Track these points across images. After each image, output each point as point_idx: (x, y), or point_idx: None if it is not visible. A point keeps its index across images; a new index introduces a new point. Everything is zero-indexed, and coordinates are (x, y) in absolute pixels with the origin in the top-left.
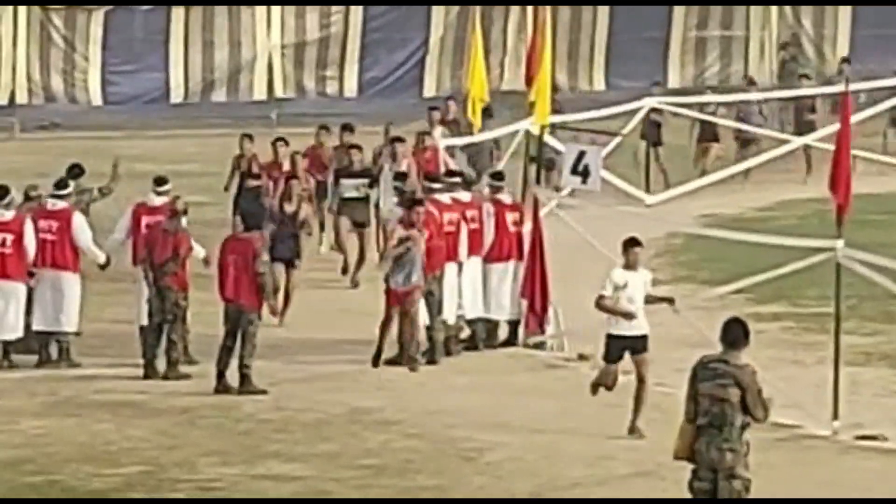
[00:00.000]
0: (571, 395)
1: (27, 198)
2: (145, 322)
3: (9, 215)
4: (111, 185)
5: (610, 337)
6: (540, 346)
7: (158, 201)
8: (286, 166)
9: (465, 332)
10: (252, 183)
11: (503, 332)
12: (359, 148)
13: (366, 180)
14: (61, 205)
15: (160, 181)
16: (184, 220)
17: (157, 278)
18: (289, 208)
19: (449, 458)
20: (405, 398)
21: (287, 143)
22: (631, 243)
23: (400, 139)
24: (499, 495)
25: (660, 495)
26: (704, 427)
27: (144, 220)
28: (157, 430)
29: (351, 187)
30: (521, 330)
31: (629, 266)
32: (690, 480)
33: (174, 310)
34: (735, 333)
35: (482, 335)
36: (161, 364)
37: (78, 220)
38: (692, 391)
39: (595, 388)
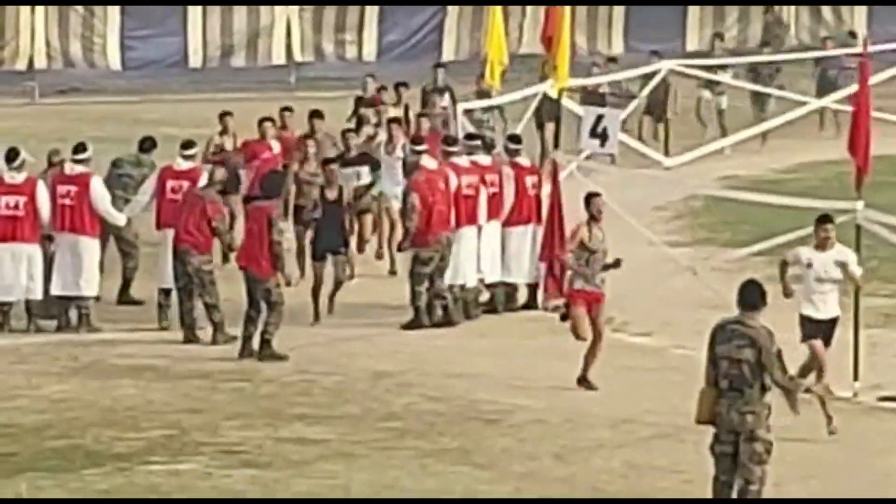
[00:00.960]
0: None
1: (50, 164)
2: (166, 285)
3: (20, 178)
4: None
5: (801, 318)
6: (559, 309)
7: (185, 165)
8: (276, 148)
9: (485, 296)
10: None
11: (523, 296)
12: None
13: (364, 167)
14: (80, 169)
15: (187, 145)
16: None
17: (178, 242)
18: (330, 194)
19: (471, 420)
20: (427, 362)
21: (291, 112)
22: (822, 220)
23: (397, 120)
24: (522, 458)
25: (680, 458)
26: (725, 390)
27: (169, 183)
28: (179, 394)
29: (351, 175)
30: (540, 293)
31: (819, 246)
32: (712, 444)
33: (198, 274)
34: (752, 295)
35: (501, 299)
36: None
37: (96, 184)
38: (711, 354)
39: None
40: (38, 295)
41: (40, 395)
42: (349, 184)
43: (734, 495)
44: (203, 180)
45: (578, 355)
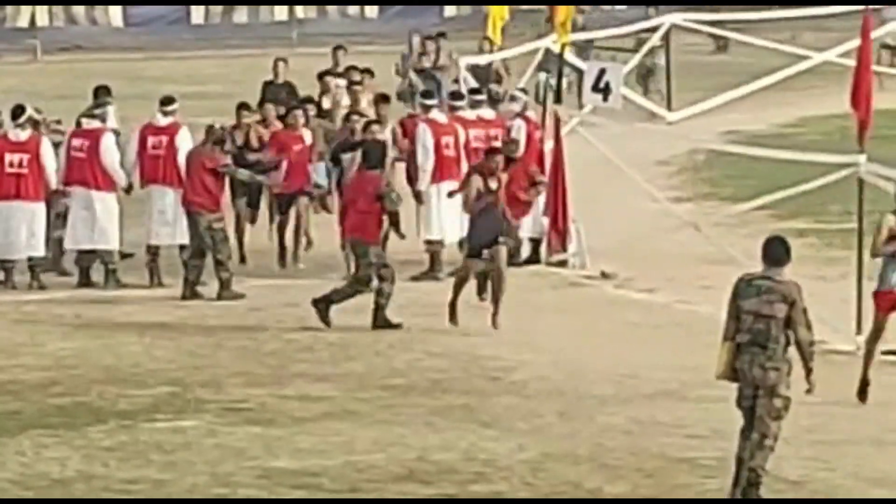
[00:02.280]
0: (595, 313)
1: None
2: (152, 242)
3: (24, 135)
4: None
5: None
6: (562, 263)
7: (164, 121)
8: (308, 138)
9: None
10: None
11: (526, 251)
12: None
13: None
14: (94, 124)
15: (167, 101)
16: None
17: (188, 204)
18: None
19: (475, 377)
20: (430, 318)
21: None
22: None
23: (385, 97)
24: (526, 414)
25: (684, 414)
26: (746, 345)
27: (150, 140)
28: (183, 352)
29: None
30: (543, 248)
31: None
32: (738, 398)
33: (210, 232)
34: (777, 251)
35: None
36: (204, 288)
37: (107, 139)
38: (733, 309)
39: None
40: (40, 252)
41: (44, 352)
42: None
43: (748, 450)
44: (183, 135)
45: (583, 311)
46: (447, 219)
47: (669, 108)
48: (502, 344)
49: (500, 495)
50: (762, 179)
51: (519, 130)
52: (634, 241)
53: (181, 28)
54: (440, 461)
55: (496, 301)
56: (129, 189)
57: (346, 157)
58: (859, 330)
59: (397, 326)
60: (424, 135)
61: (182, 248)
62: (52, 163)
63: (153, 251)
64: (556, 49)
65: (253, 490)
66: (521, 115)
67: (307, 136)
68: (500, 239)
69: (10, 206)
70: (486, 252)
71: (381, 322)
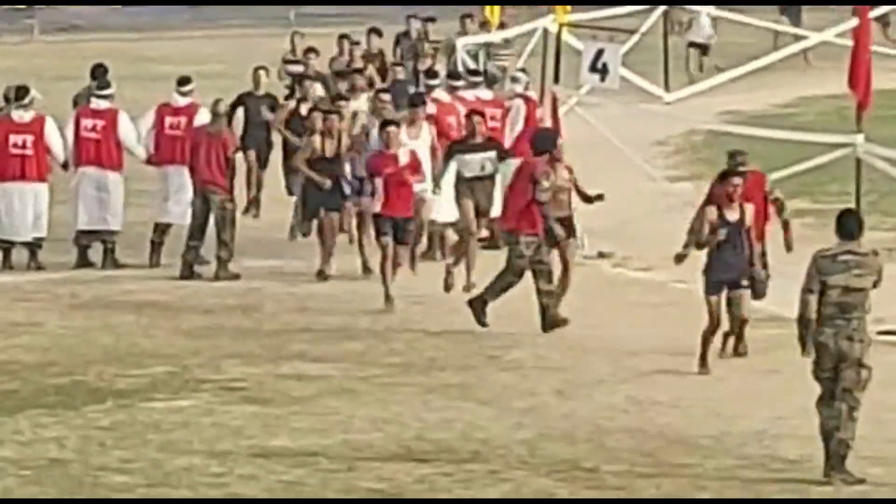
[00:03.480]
0: (593, 293)
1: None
2: (164, 220)
3: (28, 116)
4: None
5: None
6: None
7: (182, 101)
8: (403, 158)
9: (485, 232)
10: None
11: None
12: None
13: (492, 154)
14: (105, 104)
15: (183, 81)
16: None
17: (202, 181)
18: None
19: (473, 356)
20: (428, 298)
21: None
22: None
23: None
24: (524, 392)
25: (682, 394)
26: (830, 317)
27: (168, 120)
28: (181, 332)
29: (476, 164)
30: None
31: None
32: (815, 371)
33: (220, 212)
34: (851, 224)
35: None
36: (203, 268)
37: (124, 118)
38: (815, 285)
39: None
40: (43, 233)
41: (42, 332)
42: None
43: (839, 421)
44: (203, 116)
45: (581, 291)
46: (449, 200)
47: (667, 88)
48: (500, 323)
49: (497, 474)
50: (760, 159)
51: (518, 110)
52: (632, 221)
53: (179, 8)
54: (437, 440)
55: (737, 351)
56: (149, 161)
57: (472, 158)
58: None
59: (565, 323)
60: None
61: (161, 228)
62: (58, 142)
63: (162, 228)
64: (553, 29)
65: (250, 468)
66: (521, 95)
67: (403, 156)
68: (744, 282)
69: (14, 186)
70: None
71: (550, 323)
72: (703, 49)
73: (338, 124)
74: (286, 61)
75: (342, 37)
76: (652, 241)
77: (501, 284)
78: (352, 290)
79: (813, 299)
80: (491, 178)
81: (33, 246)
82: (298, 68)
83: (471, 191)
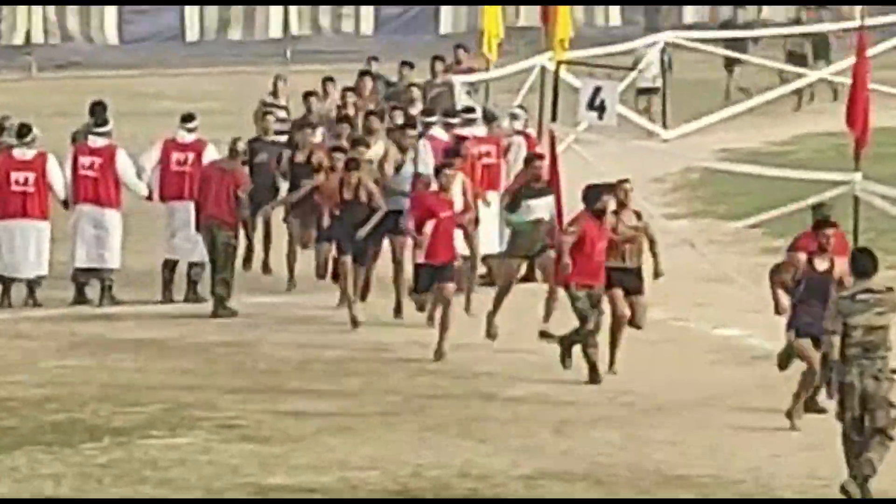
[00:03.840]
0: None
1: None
2: (172, 256)
3: (30, 154)
4: None
5: None
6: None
7: (189, 138)
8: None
9: (482, 269)
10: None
11: (521, 269)
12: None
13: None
14: (103, 142)
15: (188, 118)
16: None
17: (210, 216)
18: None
19: (471, 393)
20: (426, 335)
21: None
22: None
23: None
24: (520, 431)
25: (679, 431)
26: (855, 357)
27: (174, 156)
28: (177, 369)
29: (542, 209)
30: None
31: None
32: (840, 412)
33: (224, 249)
34: (866, 263)
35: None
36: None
37: (122, 155)
38: (839, 326)
39: None
40: (44, 271)
41: (39, 369)
42: None
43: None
44: (210, 152)
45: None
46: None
47: (665, 125)
48: (498, 361)
49: None
50: (757, 197)
51: (520, 148)
52: None
53: (176, 45)
54: (435, 477)
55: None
56: (150, 197)
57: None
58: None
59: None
60: (425, 151)
61: (193, 265)
62: (59, 179)
63: (171, 266)
64: (551, 67)
65: None
66: (521, 132)
67: (457, 200)
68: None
69: (15, 224)
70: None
71: (591, 377)
72: (653, 92)
73: (357, 173)
74: (266, 104)
75: (327, 80)
76: (649, 278)
77: (577, 338)
78: (347, 326)
79: (836, 340)
80: (549, 222)
81: (33, 283)
82: (281, 114)
83: (526, 240)
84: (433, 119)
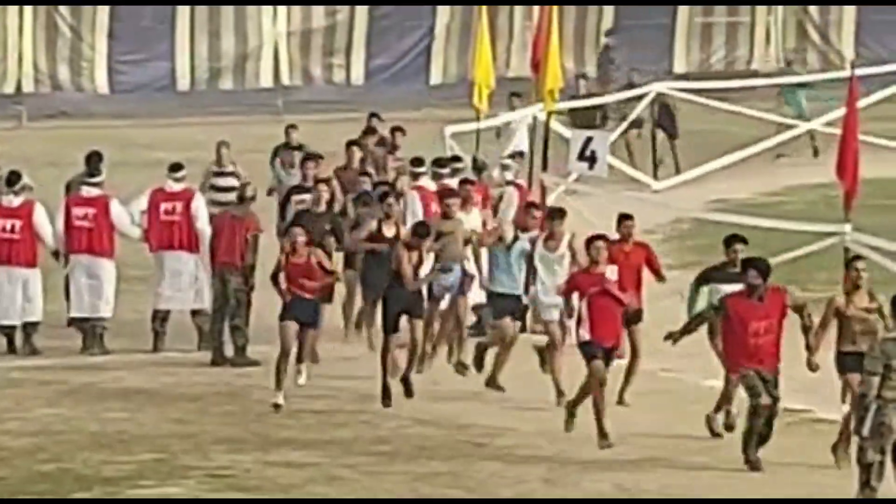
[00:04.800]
0: (579, 380)
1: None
2: (161, 307)
3: (17, 201)
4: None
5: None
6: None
7: (177, 187)
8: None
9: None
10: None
11: None
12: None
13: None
14: (96, 192)
15: (176, 167)
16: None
17: (219, 263)
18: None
19: (461, 443)
20: (416, 384)
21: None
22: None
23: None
24: (511, 480)
25: (670, 479)
26: (893, 400)
27: (162, 206)
28: (168, 418)
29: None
30: (529, 315)
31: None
32: (864, 453)
33: (237, 294)
34: None
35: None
36: (228, 349)
37: (115, 204)
38: (879, 368)
39: None
40: (38, 317)
41: (30, 418)
42: None
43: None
44: (199, 201)
45: (566, 377)
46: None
47: (655, 176)
48: (488, 410)
49: None
50: (748, 248)
51: (511, 198)
52: None
53: (167, 95)
54: None
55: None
56: (143, 240)
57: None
58: (845, 399)
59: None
60: (413, 201)
61: (195, 313)
62: (47, 229)
63: (162, 316)
64: (542, 117)
65: None
66: (512, 182)
67: (611, 272)
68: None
69: (2, 270)
70: None
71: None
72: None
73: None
74: (213, 173)
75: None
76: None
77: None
78: (337, 375)
79: (876, 381)
80: None
81: (27, 330)
82: (230, 180)
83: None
84: (422, 169)
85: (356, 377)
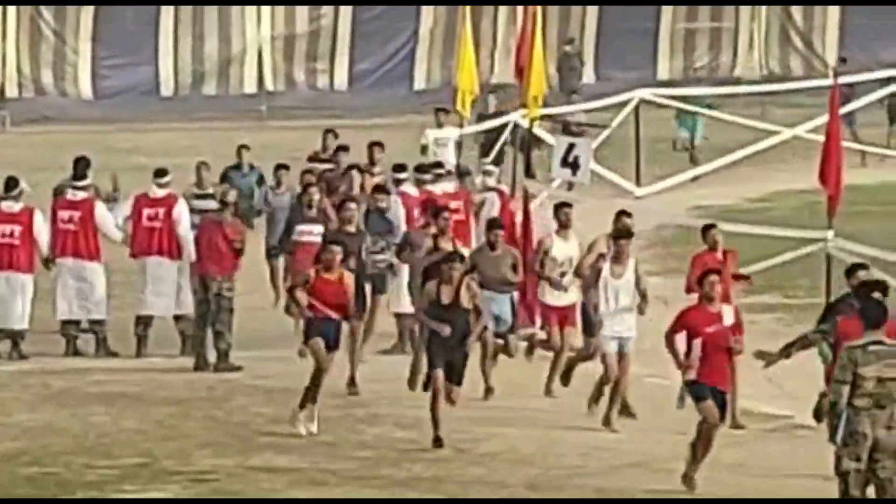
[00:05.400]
0: (563, 387)
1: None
2: (144, 312)
3: (17, 207)
4: (116, 193)
5: None
6: (531, 338)
7: (160, 193)
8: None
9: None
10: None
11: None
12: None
13: None
14: (82, 195)
15: (160, 173)
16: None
17: (202, 268)
18: None
19: (444, 449)
20: (399, 390)
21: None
22: None
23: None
24: (494, 486)
25: (653, 486)
26: (864, 408)
27: (146, 211)
28: (151, 422)
29: None
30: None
31: None
32: (843, 464)
33: (219, 299)
34: (877, 314)
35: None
36: (211, 355)
37: (100, 207)
38: (849, 377)
39: None
40: (26, 325)
41: (12, 422)
42: None
43: None
44: (181, 207)
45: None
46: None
47: (638, 182)
48: (470, 416)
49: None
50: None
51: (493, 204)
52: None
53: (150, 100)
54: None
55: None
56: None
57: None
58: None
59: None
60: (396, 207)
61: (178, 319)
62: (46, 234)
63: (145, 321)
64: (524, 124)
65: None
66: (494, 188)
67: (728, 314)
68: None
69: (3, 275)
70: None
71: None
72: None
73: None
74: (195, 195)
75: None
76: None
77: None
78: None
79: (846, 390)
80: None
81: (16, 336)
82: (210, 203)
83: None
84: (404, 175)
85: (337, 383)
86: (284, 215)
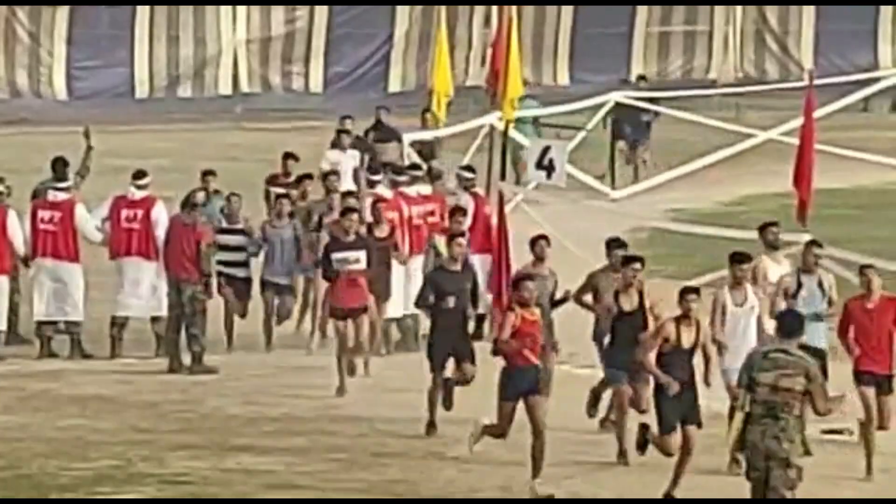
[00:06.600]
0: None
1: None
2: (120, 313)
3: None
4: (87, 162)
5: None
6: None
7: (139, 195)
8: None
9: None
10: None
11: (471, 327)
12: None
13: None
14: (63, 196)
15: (139, 174)
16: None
17: (174, 271)
18: None
19: (418, 452)
20: (374, 393)
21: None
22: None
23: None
24: (467, 489)
25: (626, 487)
26: (758, 416)
27: (123, 213)
28: (125, 425)
29: None
30: (487, 325)
31: None
32: (747, 470)
33: (192, 302)
34: (791, 324)
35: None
36: (185, 357)
37: (80, 208)
38: (747, 380)
39: None
40: (2, 326)
41: None
42: None
43: None
44: (159, 209)
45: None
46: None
47: (613, 185)
48: (444, 419)
49: None
50: (706, 257)
51: (468, 206)
52: (577, 318)
53: (125, 102)
54: None
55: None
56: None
57: None
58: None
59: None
60: (364, 208)
61: (154, 320)
62: (20, 235)
63: (120, 323)
64: (500, 126)
65: None
66: (468, 190)
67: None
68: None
69: None
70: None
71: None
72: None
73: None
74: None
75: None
76: None
77: None
78: (296, 383)
79: (745, 394)
80: None
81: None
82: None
83: None
84: (378, 177)
85: (314, 386)
86: (288, 248)
